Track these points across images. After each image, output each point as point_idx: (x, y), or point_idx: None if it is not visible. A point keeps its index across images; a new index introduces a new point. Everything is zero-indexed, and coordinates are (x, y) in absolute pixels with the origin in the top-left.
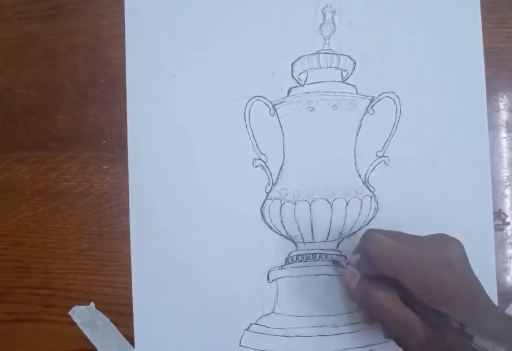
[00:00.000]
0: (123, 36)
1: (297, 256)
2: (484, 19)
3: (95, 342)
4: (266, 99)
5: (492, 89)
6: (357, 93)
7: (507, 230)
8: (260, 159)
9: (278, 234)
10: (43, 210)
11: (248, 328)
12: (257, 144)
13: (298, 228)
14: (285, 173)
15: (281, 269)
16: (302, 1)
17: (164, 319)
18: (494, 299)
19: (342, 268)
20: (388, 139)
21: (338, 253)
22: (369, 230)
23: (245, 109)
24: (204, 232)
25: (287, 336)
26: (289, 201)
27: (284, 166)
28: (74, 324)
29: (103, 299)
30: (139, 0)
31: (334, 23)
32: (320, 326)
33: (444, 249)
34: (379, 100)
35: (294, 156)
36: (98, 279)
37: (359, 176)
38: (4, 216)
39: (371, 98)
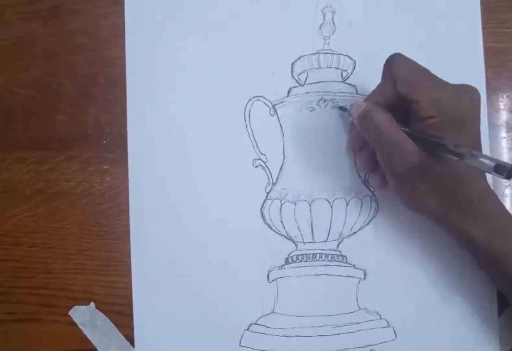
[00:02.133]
0: (123, 36)
1: (297, 256)
2: (484, 19)
3: (95, 342)
4: (266, 99)
5: (492, 89)
6: (357, 93)
7: None
8: (260, 159)
9: (278, 234)
10: (43, 210)
11: (248, 328)
12: (257, 144)
13: (298, 228)
14: (285, 173)
15: (281, 269)
16: (302, 1)
17: (164, 319)
18: (494, 299)
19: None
20: None
21: (338, 253)
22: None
23: (245, 109)
24: (204, 232)
25: (287, 336)
26: (289, 201)
27: (284, 166)
28: (74, 324)
29: (103, 299)
30: (139, 0)
31: (334, 23)
32: (320, 326)
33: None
34: None
35: (294, 156)
36: (98, 279)
37: (359, 176)
38: (4, 216)
39: None
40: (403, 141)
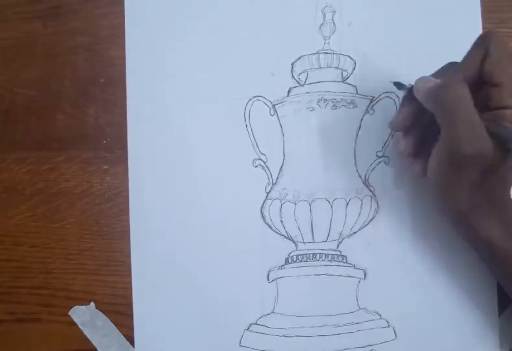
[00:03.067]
0: (123, 36)
1: (297, 256)
2: (484, 19)
3: (95, 342)
4: (266, 99)
5: None
6: (357, 93)
7: None
8: (260, 159)
9: (278, 234)
10: (43, 210)
11: (248, 328)
12: (257, 144)
13: (298, 228)
14: (285, 173)
15: (281, 269)
16: (302, 1)
17: (164, 319)
18: (494, 299)
19: (404, 89)
20: (388, 139)
21: (338, 253)
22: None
23: (245, 109)
24: (204, 232)
25: (287, 336)
26: (289, 201)
27: (284, 166)
28: (74, 324)
29: (103, 299)
30: (139, 0)
31: (334, 23)
32: (320, 326)
33: None
34: (379, 100)
35: (294, 156)
36: (98, 279)
37: (359, 176)
38: (4, 216)
39: (371, 98)
40: (479, 125)
